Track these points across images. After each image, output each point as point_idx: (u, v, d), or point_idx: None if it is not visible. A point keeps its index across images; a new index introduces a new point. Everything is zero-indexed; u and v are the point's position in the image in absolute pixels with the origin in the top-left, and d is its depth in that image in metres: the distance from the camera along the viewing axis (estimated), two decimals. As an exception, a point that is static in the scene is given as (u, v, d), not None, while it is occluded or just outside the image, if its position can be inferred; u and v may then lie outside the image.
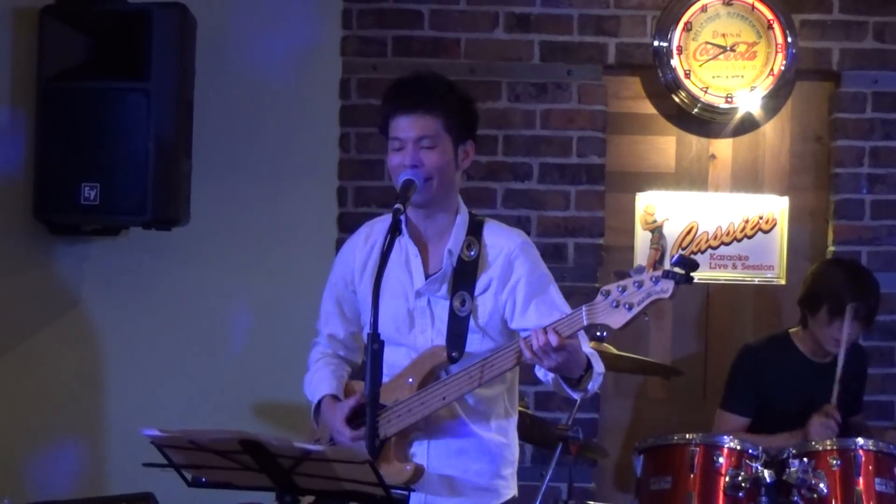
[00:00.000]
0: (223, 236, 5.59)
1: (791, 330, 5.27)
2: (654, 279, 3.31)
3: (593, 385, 3.60)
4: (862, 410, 5.37)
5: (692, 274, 3.31)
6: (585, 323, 3.41)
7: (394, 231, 3.44)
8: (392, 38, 5.71)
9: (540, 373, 3.65)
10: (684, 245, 5.71)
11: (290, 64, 5.64)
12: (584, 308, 3.41)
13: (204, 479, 3.25)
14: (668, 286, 3.30)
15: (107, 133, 5.06)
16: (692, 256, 3.35)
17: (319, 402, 3.81)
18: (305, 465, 3.04)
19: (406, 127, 3.63)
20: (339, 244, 5.53)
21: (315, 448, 3.02)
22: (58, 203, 5.11)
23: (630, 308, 3.34)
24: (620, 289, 3.36)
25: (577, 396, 3.64)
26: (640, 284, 3.33)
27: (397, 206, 3.49)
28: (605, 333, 5.04)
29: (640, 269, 3.35)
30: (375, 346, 3.30)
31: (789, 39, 5.57)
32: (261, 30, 5.62)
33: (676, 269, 3.29)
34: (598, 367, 3.61)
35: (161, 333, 5.55)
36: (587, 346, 3.63)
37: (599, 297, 3.39)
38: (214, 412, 5.39)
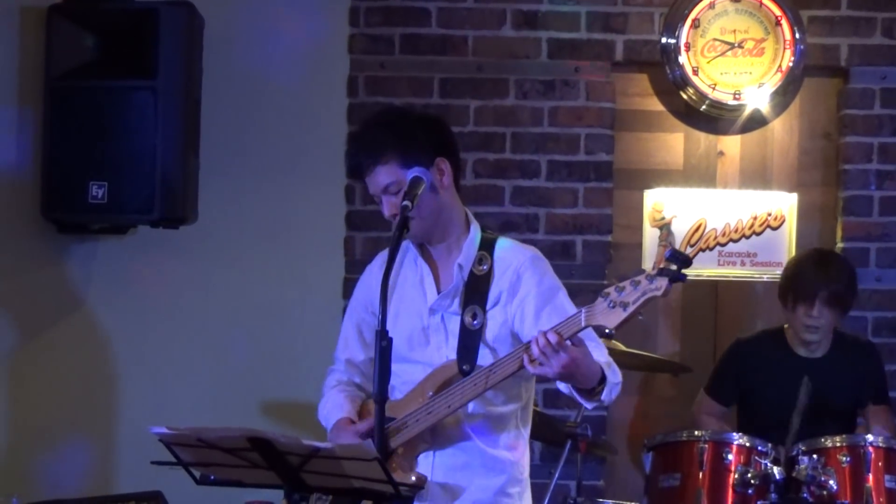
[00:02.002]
0: (231, 234, 5.59)
1: (785, 325, 5.26)
2: (648, 278, 3.32)
3: (608, 395, 3.57)
4: (888, 402, 5.27)
5: (684, 271, 3.31)
6: (584, 325, 3.39)
7: (401, 228, 3.45)
8: (400, 35, 5.71)
9: (562, 385, 3.64)
10: (693, 242, 5.70)
11: (297, 62, 5.64)
12: (583, 310, 3.41)
13: (212, 477, 3.25)
14: (662, 283, 3.30)
15: (114, 131, 5.06)
16: (685, 252, 3.34)
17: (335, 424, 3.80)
18: (314, 463, 3.05)
19: (370, 185, 3.68)
20: (347, 242, 5.55)
21: (324, 445, 3.02)
22: (66, 202, 5.11)
23: (625, 307, 3.34)
24: (618, 290, 3.36)
25: (590, 406, 3.63)
26: (636, 284, 3.34)
27: (405, 203, 3.50)
28: (613, 331, 5.03)
29: (640, 271, 3.37)
30: (384, 343, 3.31)
31: (797, 36, 5.57)
32: (268, 28, 5.62)
33: (670, 266, 3.29)
34: (615, 377, 3.59)
35: (169, 331, 5.55)
36: (605, 356, 3.60)
37: (599, 300, 3.38)
38: (222, 410, 5.39)
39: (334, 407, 3.81)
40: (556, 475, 4.90)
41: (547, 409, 5.39)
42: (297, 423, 5.24)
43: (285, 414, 5.46)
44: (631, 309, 3.33)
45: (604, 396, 3.55)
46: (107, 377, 5.51)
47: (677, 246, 5.69)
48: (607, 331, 4.98)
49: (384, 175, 3.63)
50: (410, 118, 3.77)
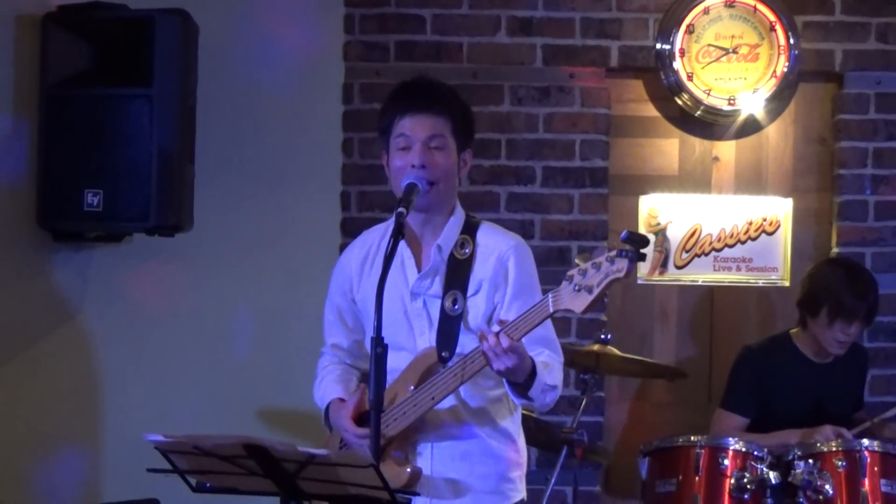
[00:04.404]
0: (226, 242, 5.59)
1: (792, 331, 5.26)
2: (609, 259, 3.33)
3: (542, 396, 3.55)
4: (863, 406, 5.36)
5: (642, 250, 3.31)
6: (551, 310, 3.41)
7: (396, 235, 3.44)
8: (394, 42, 5.72)
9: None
10: (688, 247, 5.71)
11: (292, 69, 5.64)
12: (550, 295, 3.42)
13: (208, 485, 3.25)
14: (623, 265, 3.31)
15: (110, 139, 5.06)
16: (640, 232, 3.36)
17: (328, 408, 3.82)
18: (310, 470, 3.05)
19: (415, 126, 3.64)
20: (343, 249, 5.52)
21: (319, 452, 3.02)
22: (61, 210, 5.11)
23: (590, 291, 3.35)
24: (581, 272, 3.37)
25: (520, 402, 3.61)
26: (598, 266, 3.34)
27: (400, 209, 3.49)
28: (608, 336, 5.04)
29: (602, 251, 3.36)
30: (379, 350, 3.31)
31: (792, 41, 5.58)
32: (263, 35, 5.62)
33: (627, 247, 3.30)
34: (549, 378, 3.57)
35: (164, 339, 5.55)
36: (545, 357, 3.60)
37: (564, 283, 3.39)
38: (218, 417, 5.39)
39: (327, 388, 3.85)
40: (553, 481, 4.89)
41: (543, 415, 5.38)
42: (293, 430, 5.25)
43: (281, 421, 5.46)
44: (596, 292, 3.35)
45: (532, 393, 3.52)
46: (102, 385, 5.51)
47: (672, 252, 5.70)
48: (602, 336, 5.04)
49: (436, 125, 3.64)
50: (463, 99, 3.79)
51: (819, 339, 5.11)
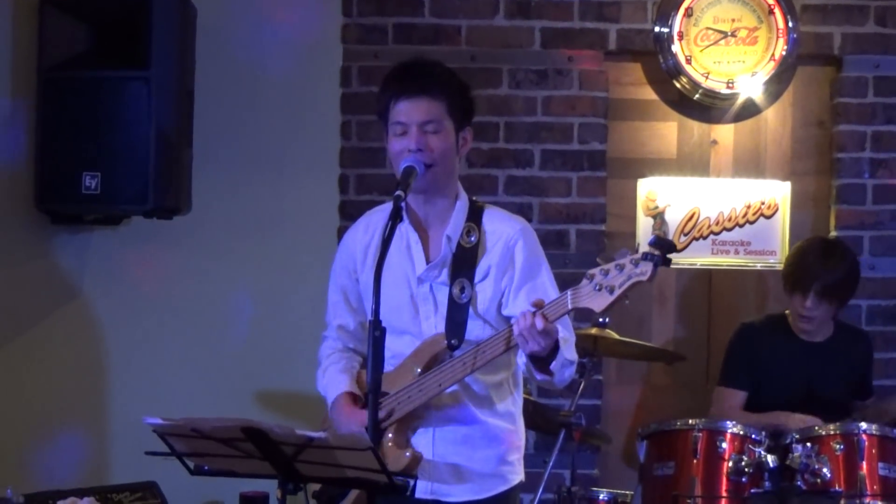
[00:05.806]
0: (224, 225, 5.59)
1: (786, 311, 5.27)
2: (633, 262, 3.33)
3: (561, 372, 3.56)
4: (873, 394, 5.36)
5: (669, 255, 3.32)
6: (570, 307, 3.42)
7: (395, 218, 3.44)
8: (393, 25, 5.71)
9: (521, 359, 3.66)
10: (686, 231, 5.70)
11: (290, 52, 5.63)
12: (569, 292, 3.42)
13: (206, 468, 3.26)
14: (647, 268, 3.31)
15: (108, 122, 5.05)
16: (668, 238, 3.36)
17: (335, 402, 3.80)
18: (308, 453, 3.05)
19: (410, 111, 3.65)
20: (341, 232, 5.52)
21: (317, 435, 3.02)
22: (59, 193, 5.11)
23: (611, 291, 3.35)
24: (603, 272, 3.38)
25: (541, 378, 3.60)
26: (621, 268, 3.35)
27: (398, 192, 3.50)
28: (607, 319, 5.04)
29: (624, 254, 3.36)
30: (377, 333, 3.31)
31: (790, 24, 5.57)
32: (261, 18, 5.61)
33: (654, 251, 3.30)
34: (570, 354, 3.59)
35: (163, 322, 5.55)
36: (565, 332, 3.60)
37: (584, 281, 3.40)
38: (217, 401, 5.39)
39: (332, 379, 3.83)
40: (551, 464, 4.90)
41: (541, 398, 5.39)
42: (290, 413, 5.25)
43: (279, 404, 5.46)
44: (617, 293, 3.35)
45: (553, 367, 3.53)
46: (101, 368, 5.51)
47: (671, 235, 5.69)
48: (601, 320, 5.04)
49: (430, 108, 3.65)
50: (461, 78, 3.79)
51: (791, 314, 5.13)
